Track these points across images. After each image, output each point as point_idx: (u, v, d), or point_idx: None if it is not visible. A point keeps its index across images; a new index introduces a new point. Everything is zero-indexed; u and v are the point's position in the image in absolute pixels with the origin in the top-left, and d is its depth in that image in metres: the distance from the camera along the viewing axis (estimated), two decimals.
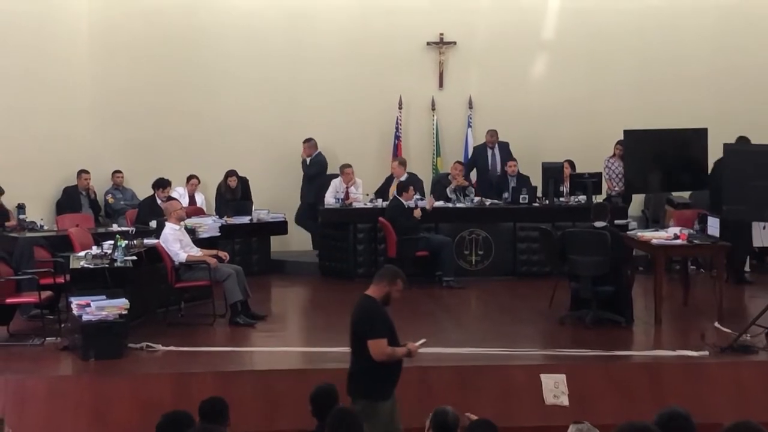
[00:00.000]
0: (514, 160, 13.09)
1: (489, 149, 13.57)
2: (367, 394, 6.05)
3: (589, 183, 12.30)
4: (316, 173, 13.37)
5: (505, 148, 13.52)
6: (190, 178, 13.30)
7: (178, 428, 4.78)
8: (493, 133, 13.54)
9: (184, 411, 4.97)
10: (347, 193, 12.67)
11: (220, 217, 12.44)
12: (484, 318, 10.69)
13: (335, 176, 12.98)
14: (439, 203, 12.53)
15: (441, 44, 14.18)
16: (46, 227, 11.64)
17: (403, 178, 12.69)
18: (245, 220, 12.73)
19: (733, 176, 9.93)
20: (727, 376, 8.05)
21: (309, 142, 13.48)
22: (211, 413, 5.29)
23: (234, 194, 13.18)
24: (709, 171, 11.89)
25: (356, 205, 12.47)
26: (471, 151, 14.00)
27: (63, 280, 9.32)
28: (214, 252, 10.10)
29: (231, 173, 13.23)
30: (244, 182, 13.39)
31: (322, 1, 14.11)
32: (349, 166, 12.83)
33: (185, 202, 12.51)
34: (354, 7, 14.12)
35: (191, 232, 10.45)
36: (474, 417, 4.96)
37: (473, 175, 13.64)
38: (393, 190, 12.42)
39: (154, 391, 7.64)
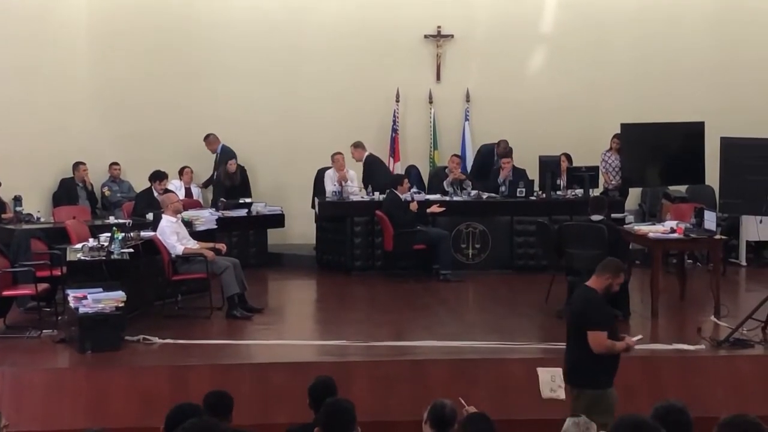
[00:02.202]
0: (509, 157, 13.03)
1: (497, 156, 13.51)
2: (593, 384, 6.13)
3: (586, 176, 12.30)
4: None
5: (507, 154, 13.43)
6: (183, 168, 13.28)
7: (186, 420, 4.76)
8: (505, 144, 13.39)
9: (196, 404, 4.97)
10: (341, 183, 12.60)
11: (216, 204, 12.44)
12: (481, 311, 10.70)
13: None
14: (436, 196, 12.54)
15: (439, 37, 14.16)
16: (42, 219, 11.64)
17: (362, 160, 12.86)
18: (243, 212, 12.72)
19: (729, 170, 9.95)
20: (723, 370, 8.06)
21: (209, 138, 13.41)
22: (216, 406, 5.29)
23: (233, 180, 13.13)
24: None
25: (353, 198, 12.46)
26: (468, 144, 14.02)
27: (60, 273, 9.32)
28: (211, 245, 10.09)
29: (232, 158, 13.15)
30: (242, 171, 13.36)
31: None
32: (340, 153, 12.80)
33: (181, 194, 12.50)
34: None
35: (188, 224, 10.44)
36: (473, 409, 4.95)
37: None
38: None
39: (150, 384, 7.64)
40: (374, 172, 12.91)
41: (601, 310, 6.18)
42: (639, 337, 6.60)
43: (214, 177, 13.37)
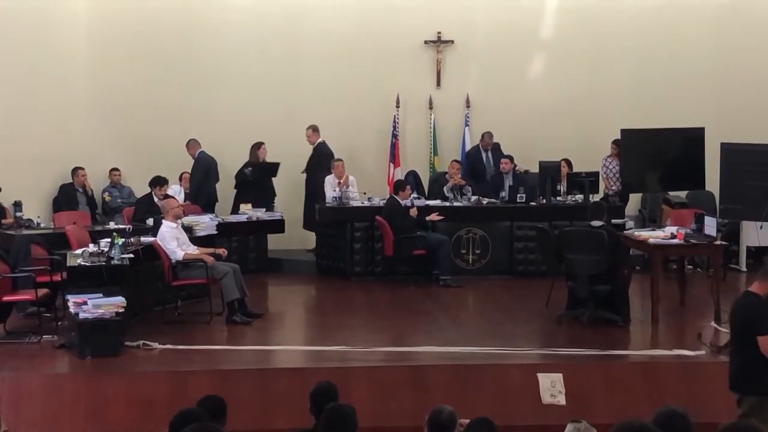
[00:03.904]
0: (507, 157, 13.07)
1: (484, 152, 13.54)
2: (759, 390, 6.09)
3: (586, 182, 12.29)
4: (206, 169, 13.22)
5: (496, 149, 13.50)
6: (182, 174, 13.26)
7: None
8: (489, 136, 13.52)
9: (199, 410, 4.97)
10: (341, 189, 12.61)
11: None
12: (481, 317, 10.69)
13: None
14: (436, 202, 12.55)
15: (439, 43, 14.17)
16: (42, 225, 11.63)
17: (314, 144, 13.08)
18: (242, 218, 12.71)
19: (729, 175, 9.97)
20: (723, 376, 7.94)
21: (188, 143, 13.35)
22: (210, 411, 5.28)
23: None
24: None
25: (353, 203, 12.46)
26: (468, 149, 14.00)
27: (60, 278, 9.30)
28: (211, 250, 10.09)
29: (262, 143, 13.16)
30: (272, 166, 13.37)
31: None
32: (340, 160, 12.84)
33: (180, 199, 12.48)
34: (352, 4, 14.10)
35: (188, 230, 10.44)
36: (466, 421, 4.93)
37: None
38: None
39: (150, 389, 7.63)
40: (316, 163, 13.05)
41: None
42: None
43: (238, 174, 13.30)
